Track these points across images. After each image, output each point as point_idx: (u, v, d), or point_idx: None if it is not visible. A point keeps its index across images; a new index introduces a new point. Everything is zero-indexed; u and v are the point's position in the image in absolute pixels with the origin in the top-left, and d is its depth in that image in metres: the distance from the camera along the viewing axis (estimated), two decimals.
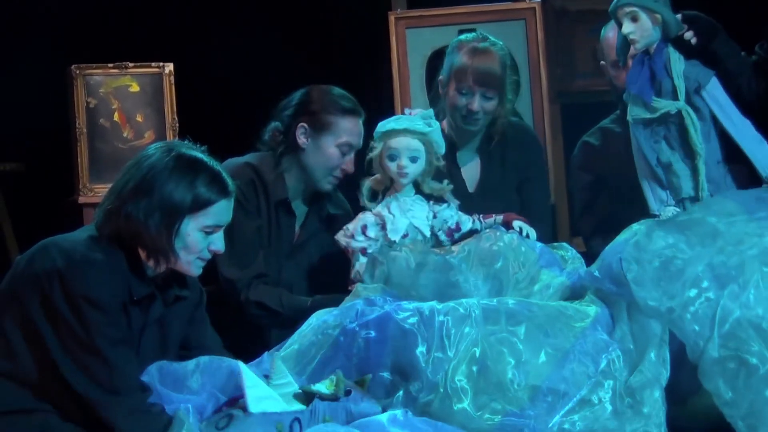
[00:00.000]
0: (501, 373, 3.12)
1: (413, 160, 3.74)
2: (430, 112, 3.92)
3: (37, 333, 2.90)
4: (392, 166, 3.75)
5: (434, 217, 3.79)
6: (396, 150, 3.73)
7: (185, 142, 3.19)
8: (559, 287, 3.55)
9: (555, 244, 3.82)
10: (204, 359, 3.03)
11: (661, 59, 3.95)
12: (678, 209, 3.87)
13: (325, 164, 4.10)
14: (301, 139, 4.11)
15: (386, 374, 3.19)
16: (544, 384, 3.10)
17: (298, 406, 2.88)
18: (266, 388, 2.89)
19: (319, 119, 4.10)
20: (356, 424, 2.85)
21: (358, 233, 3.77)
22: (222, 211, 3.09)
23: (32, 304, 2.92)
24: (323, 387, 2.93)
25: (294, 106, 4.15)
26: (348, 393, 2.94)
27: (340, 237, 3.79)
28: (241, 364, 2.92)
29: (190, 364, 3.01)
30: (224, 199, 3.08)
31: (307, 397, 2.92)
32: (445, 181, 3.85)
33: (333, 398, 2.90)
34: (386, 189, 3.82)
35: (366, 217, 3.79)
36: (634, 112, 3.97)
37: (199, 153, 3.13)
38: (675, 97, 3.91)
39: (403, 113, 3.92)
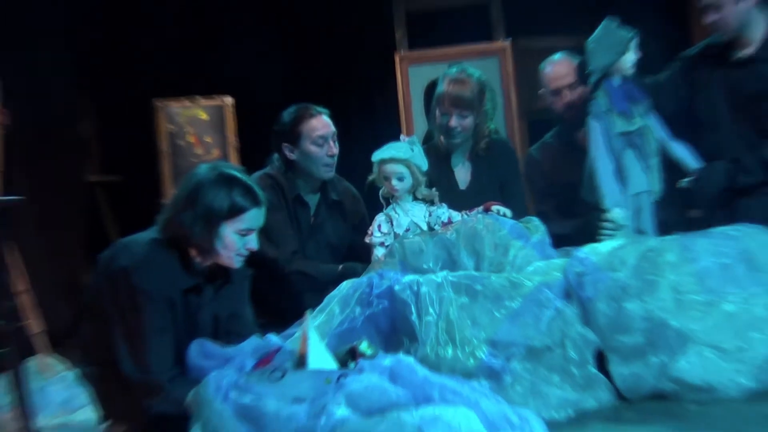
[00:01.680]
0: (463, 329, 3.15)
1: (400, 179, 3.76)
2: (414, 138, 3.92)
3: (111, 319, 2.91)
4: (387, 185, 3.80)
5: (430, 215, 3.82)
6: (386, 174, 3.77)
7: (227, 162, 3.17)
8: (526, 256, 3.55)
9: (524, 218, 3.81)
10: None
11: (633, 85, 3.95)
12: (623, 211, 3.86)
13: (313, 161, 4.06)
14: (290, 155, 4.08)
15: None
16: (498, 337, 3.12)
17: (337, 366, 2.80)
18: (323, 350, 2.82)
19: (291, 134, 4.06)
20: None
21: (375, 231, 3.81)
22: (254, 217, 3.05)
23: (107, 295, 2.94)
24: (365, 348, 2.85)
25: (276, 137, 4.14)
26: (377, 352, 2.88)
27: (366, 238, 3.84)
28: (310, 329, 2.81)
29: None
30: (256, 207, 3.04)
31: (353, 354, 2.84)
32: (433, 189, 3.86)
33: (372, 357, 2.81)
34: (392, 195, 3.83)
35: (379, 218, 3.83)
36: (619, 127, 3.90)
37: (236, 171, 3.08)
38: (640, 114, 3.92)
39: (399, 139, 3.91)
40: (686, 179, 3.96)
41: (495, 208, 3.81)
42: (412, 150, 3.80)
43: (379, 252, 3.77)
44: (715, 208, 3.89)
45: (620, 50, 3.91)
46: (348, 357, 2.86)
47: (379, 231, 3.82)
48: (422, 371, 2.74)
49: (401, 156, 3.77)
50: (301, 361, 2.77)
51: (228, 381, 2.66)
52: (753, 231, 3.43)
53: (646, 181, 3.92)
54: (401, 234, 3.77)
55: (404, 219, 3.81)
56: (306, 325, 2.84)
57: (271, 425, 2.56)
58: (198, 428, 2.61)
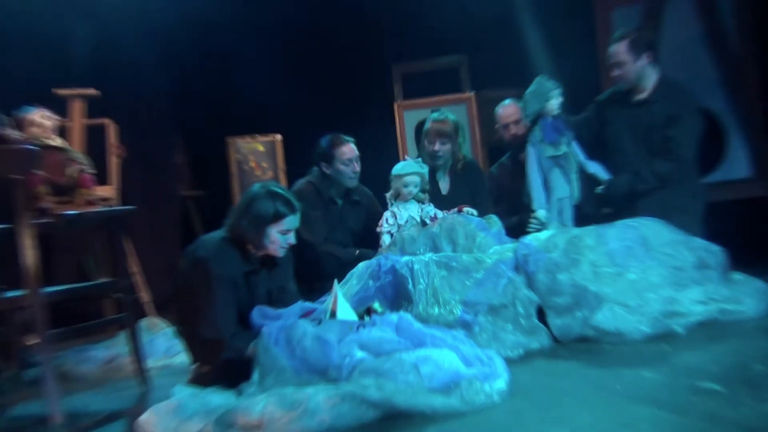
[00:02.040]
0: (444, 294, 3.17)
1: (415, 186, 3.80)
2: (419, 159, 3.93)
3: (194, 293, 2.91)
4: (405, 191, 3.80)
5: (422, 211, 3.81)
6: (406, 183, 3.79)
7: (275, 182, 3.15)
8: (488, 243, 3.56)
9: (487, 216, 3.83)
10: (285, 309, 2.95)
11: (562, 122, 3.95)
12: (545, 213, 3.91)
13: (342, 175, 4.05)
14: (325, 170, 4.07)
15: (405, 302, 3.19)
16: (468, 298, 3.15)
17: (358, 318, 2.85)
18: (347, 307, 2.87)
19: (327, 156, 4.06)
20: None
21: (384, 223, 3.80)
22: (291, 221, 3.00)
23: (191, 276, 2.93)
24: (377, 307, 2.93)
25: (316, 156, 4.12)
26: (384, 312, 2.94)
27: (378, 228, 3.82)
28: (338, 293, 2.87)
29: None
30: (293, 214, 3.00)
31: (368, 311, 2.91)
32: (426, 195, 3.88)
33: (382, 314, 2.88)
34: (397, 196, 3.84)
35: (386, 214, 3.82)
36: (548, 153, 3.92)
37: (279, 188, 3.05)
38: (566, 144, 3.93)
39: (404, 158, 3.97)
40: (600, 187, 3.94)
41: (465, 209, 3.83)
42: (422, 167, 3.87)
43: (386, 239, 3.76)
44: (621, 207, 3.87)
45: (547, 98, 3.91)
46: (365, 313, 2.90)
47: (386, 223, 3.79)
48: (417, 325, 2.78)
49: (418, 170, 3.83)
50: (332, 315, 2.79)
51: (277, 329, 2.68)
52: (647, 222, 3.44)
53: (568, 190, 3.91)
54: (402, 225, 3.77)
55: (404, 214, 3.79)
56: (335, 290, 2.88)
57: (312, 361, 2.58)
58: (257, 371, 2.62)
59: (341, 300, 2.85)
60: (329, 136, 4.15)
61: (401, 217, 3.80)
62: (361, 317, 2.86)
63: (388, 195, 3.90)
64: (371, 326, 2.72)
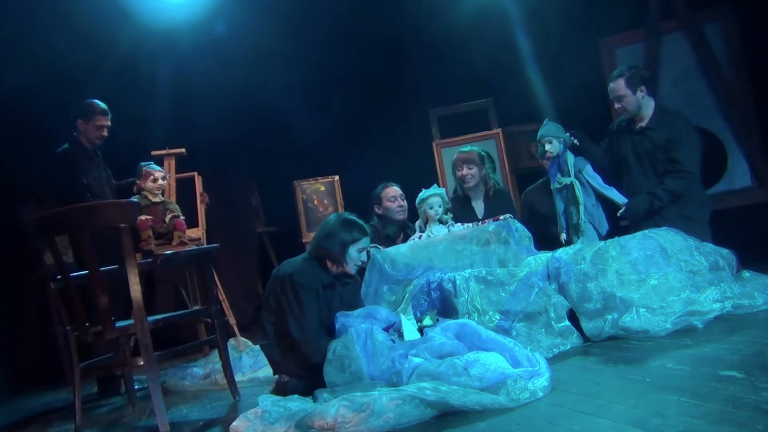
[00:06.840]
0: (483, 305, 3.13)
1: (438, 206, 3.86)
2: (442, 190, 3.97)
3: (281, 306, 2.91)
4: (431, 212, 3.85)
5: (449, 231, 3.81)
6: (432, 204, 3.86)
7: (346, 213, 3.19)
8: (516, 252, 3.54)
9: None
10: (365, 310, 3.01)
11: (564, 159, 3.94)
12: (564, 235, 3.92)
13: (391, 210, 4.12)
14: (378, 211, 4.17)
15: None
16: (505, 308, 3.11)
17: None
18: (412, 328, 2.88)
19: (378, 199, 4.16)
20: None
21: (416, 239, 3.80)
22: (366, 242, 3.06)
23: (278, 292, 2.94)
24: (429, 320, 2.91)
25: (370, 203, 4.20)
26: (438, 320, 2.93)
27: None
28: (402, 318, 2.92)
29: (362, 311, 2.99)
30: (366, 236, 3.06)
31: (421, 328, 2.90)
32: (449, 215, 3.92)
33: (433, 326, 2.87)
34: (426, 221, 3.89)
35: (415, 235, 3.88)
36: (554, 185, 3.97)
37: (353, 216, 3.11)
38: (570, 176, 3.92)
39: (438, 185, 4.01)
40: (621, 211, 3.86)
41: (503, 216, 3.81)
42: (439, 189, 3.96)
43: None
44: (641, 222, 3.77)
45: (549, 141, 3.93)
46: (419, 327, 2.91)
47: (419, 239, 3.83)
48: (484, 332, 2.73)
49: (436, 191, 3.92)
50: (400, 336, 2.83)
51: (364, 332, 2.72)
52: (663, 232, 3.36)
53: (577, 215, 3.89)
54: None
55: (434, 234, 3.82)
56: (401, 318, 2.91)
57: (379, 362, 2.62)
58: (334, 365, 2.65)
59: (405, 323, 2.88)
60: (379, 186, 4.24)
61: (434, 236, 3.78)
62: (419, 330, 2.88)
63: (417, 223, 3.93)
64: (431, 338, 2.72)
